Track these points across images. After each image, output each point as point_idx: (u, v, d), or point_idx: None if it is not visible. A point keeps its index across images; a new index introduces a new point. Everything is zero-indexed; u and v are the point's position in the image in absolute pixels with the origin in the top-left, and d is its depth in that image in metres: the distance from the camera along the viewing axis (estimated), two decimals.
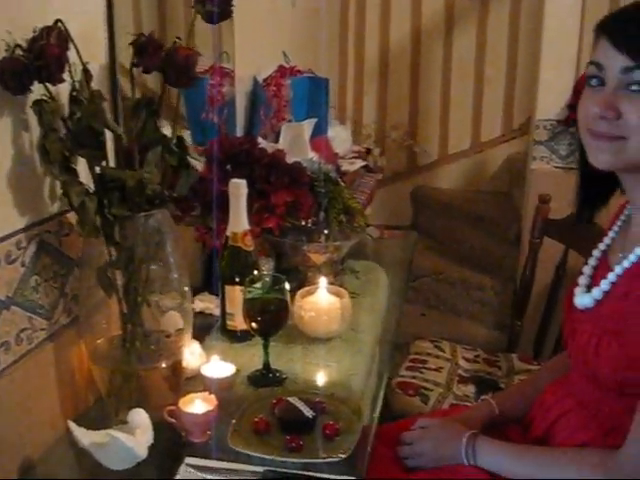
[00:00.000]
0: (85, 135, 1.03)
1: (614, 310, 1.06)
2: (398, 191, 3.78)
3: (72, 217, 1.21)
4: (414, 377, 2.01)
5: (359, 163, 2.16)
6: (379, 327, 1.68)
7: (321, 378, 1.42)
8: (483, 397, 1.86)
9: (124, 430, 1.10)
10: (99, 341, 1.23)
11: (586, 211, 1.17)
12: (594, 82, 1.00)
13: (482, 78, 3.62)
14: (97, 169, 1.10)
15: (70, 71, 1.03)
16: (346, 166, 2.08)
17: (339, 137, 2.21)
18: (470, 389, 1.98)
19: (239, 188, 1.46)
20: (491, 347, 2.37)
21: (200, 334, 1.57)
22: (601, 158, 1.01)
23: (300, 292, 1.57)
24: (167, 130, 1.14)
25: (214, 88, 2.05)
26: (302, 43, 2.70)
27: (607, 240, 1.17)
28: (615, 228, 1.16)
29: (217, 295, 1.60)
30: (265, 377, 1.37)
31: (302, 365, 1.46)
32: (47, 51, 0.97)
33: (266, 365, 1.38)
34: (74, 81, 1.04)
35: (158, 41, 1.13)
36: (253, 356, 1.45)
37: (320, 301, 1.56)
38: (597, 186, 1.13)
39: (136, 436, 1.09)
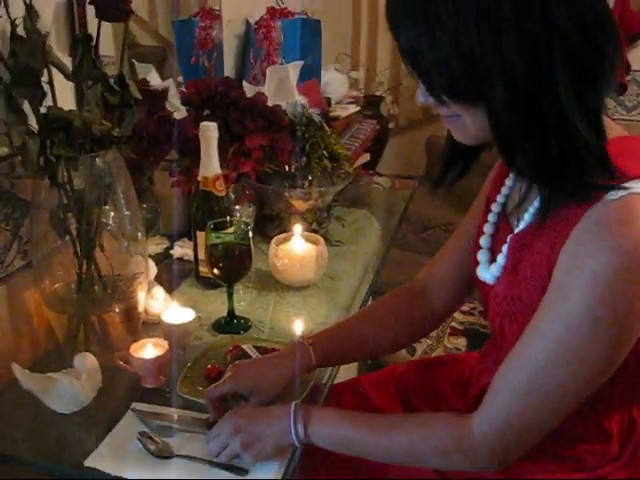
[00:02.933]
0: (24, 74, 1.00)
1: (507, 289, 0.96)
2: (412, 140, 3.71)
3: None
4: None
5: (352, 109, 2.09)
6: (360, 276, 1.65)
7: (288, 326, 1.40)
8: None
9: (70, 374, 1.09)
10: (55, 286, 1.22)
11: (449, 177, 1.05)
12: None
13: None
14: (42, 109, 1.07)
15: (6, 6, 0.99)
16: (338, 111, 2.02)
17: (334, 82, 2.14)
18: (462, 342, 1.96)
19: (209, 131, 1.43)
20: None
21: (176, 280, 1.56)
22: (455, 135, 0.92)
23: (275, 239, 1.55)
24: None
25: (203, 31, 2.00)
26: None
27: (500, 199, 1.05)
28: (507, 184, 1.05)
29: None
30: (229, 324, 1.36)
31: (273, 313, 1.44)
32: None
33: (230, 312, 1.37)
34: (13, 19, 1.01)
35: None
36: (223, 303, 1.43)
37: (294, 249, 1.54)
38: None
39: (81, 380, 1.08)
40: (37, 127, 1.07)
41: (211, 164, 1.45)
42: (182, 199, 1.77)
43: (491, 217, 1.05)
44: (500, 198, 1.05)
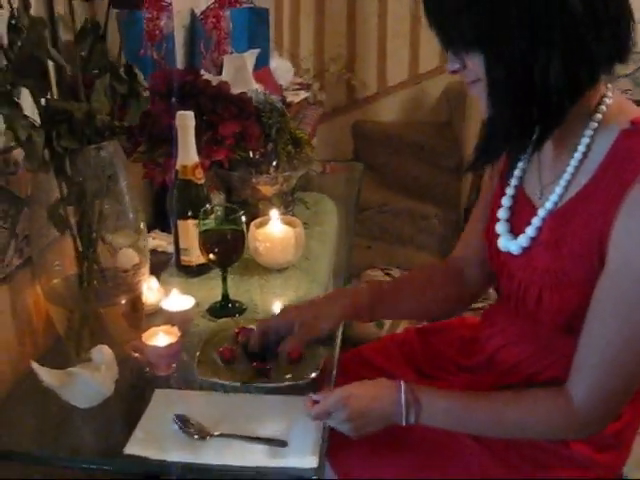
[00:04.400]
0: (28, 65, 0.98)
1: (546, 263, 1.02)
2: (339, 125, 3.77)
3: (18, 154, 1.17)
4: None
5: (303, 94, 2.13)
6: (332, 256, 1.70)
7: (280, 306, 1.43)
8: None
9: (89, 367, 1.08)
10: (55, 281, 1.20)
11: (483, 157, 1.06)
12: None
13: (419, 9, 3.58)
14: (42, 101, 1.06)
15: None
16: (290, 97, 2.06)
17: (280, 69, 2.17)
18: None
19: (186, 120, 1.43)
20: None
21: (155, 272, 1.56)
22: (480, 104, 0.99)
23: (253, 223, 1.57)
24: None
25: (151, 22, 1.98)
26: None
27: (517, 172, 1.12)
28: (525, 156, 1.10)
29: (169, 232, 1.58)
30: (225, 308, 1.38)
31: (260, 295, 1.47)
32: None
33: (225, 296, 1.38)
34: (12, 8, 0.99)
35: None
36: (210, 289, 1.46)
37: (274, 232, 1.56)
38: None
39: (101, 372, 1.08)
40: (39, 120, 1.05)
41: (189, 153, 1.45)
42: (150, 191, 1.76)
43: (509, 190, 1.12)
44: (518, 172, 1.11)
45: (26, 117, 1.03)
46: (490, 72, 0.93)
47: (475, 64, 0.94)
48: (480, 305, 2.03)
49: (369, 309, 1.22)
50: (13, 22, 1.00)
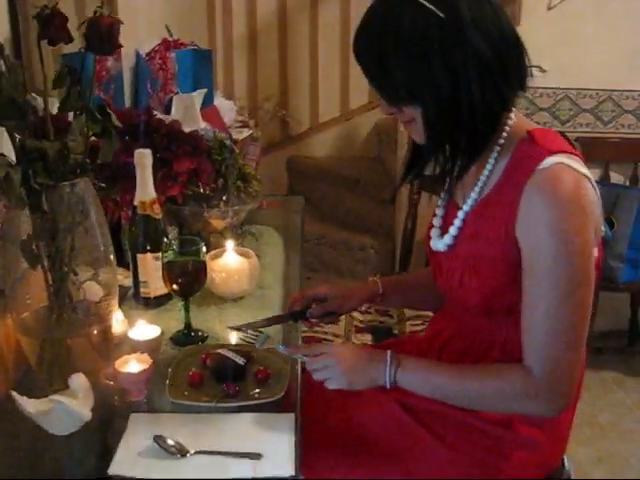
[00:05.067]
0: (7, 107, 1.04)
1: (467, 251, 1.21)
2: (273, 161, 3.87)
3: None
4: (315, 331, 2.12)
5: (246, 132, 2.22)
6: (282, 284, 1.78)
7: (239, 333, 1.49)
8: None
9: (66, 395, 1.13)
10: (26, 313, 1.24)
11: (414, 171, 1.29)
12: None
13: (348, 48, 3.74)
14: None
15: None
16: (235, 135, 2.14)
17: (223, 107, 2.26)
18: (367, 337, 2.13)
19: (144, 158, 1.50)
20: None
21: None
22: (414, 136, 1.19)
23: (209, 255, 1.63)
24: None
25: (98, 63, 2.04)
26: (180, 17, 2.70)
27: (447, 188, 1.30)
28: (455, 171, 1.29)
29: (124, 266, 1.62)
30: (188, 336, 1.43)
31: (218, 324, 1.53)
32: None
33: (187, 325, 1.44)
34: None
35: (63, 14, 1.15)
36: (170, 319, 1.52)
37: (229, 262, 1.63)
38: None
39: (79, 400, 1.12)
40: (14, 158, 1.11)
41: (147, 189, 1.52)
42: None
43: (441, 202, 1.33)
44: (446, 187, 1.30)
45: (3, 156, 1.08)
46: (424, 115, 1.12)
47: (409, 109, 1.13)
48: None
49: (382, 297, 1.49)
50: None
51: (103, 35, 1.06)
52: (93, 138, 1.20)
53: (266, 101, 3.81)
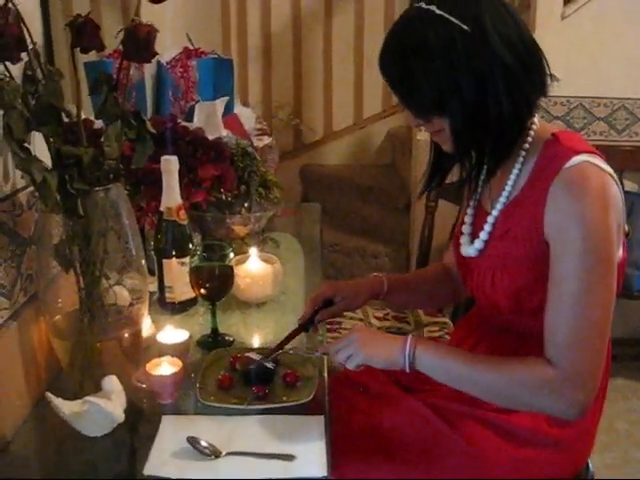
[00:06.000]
0: (46, 113, 1.06)
1: (498, 251, 1.24)
2: (287, 170, 3.89)
3: (23, 197, 1.23)
4: (333, 338, 2.14)
5: (267, 139, 2.24)
6: (304, 289, 1.79)
7: (264, 337, 1.51)
8: None
9: (100, 397, 1.14)
10: (58, 316, 1.26)
11: (436, 180, 1.33)
12: None
13: (362, 58, 3.79)
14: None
15: (27, 51, 1.05)
16: (256, 142, 2.16)
17: (243, 115, 2.28)
18: None
19: (171, 164, 1.52)
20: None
21: None
22: (442, 145, 1.21)
23: (234, 261, 1.65)
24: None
25: (120, 71, 2.06)
26: (197, 26, 2.73)
27: (475, 195, 1.33)
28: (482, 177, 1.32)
29: (148, 272, 1.64)
30: (214, 341, 1.45)
31: (244, 328, 1.55)
32: (7, 30, 0.99)
33: (214, 330, 1.46)
34: (29, 60, 1.07)
35: (95, 22, 1.18)
36: (194, 324, 1.54)
37: (254, 268, 1.65)
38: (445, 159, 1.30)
39: (112, 401, 1.14)
40: (50, 164, 1.13)
41: (173, 195, 1.54)
42: None
43: (469, 210, 1.34)
44: (475, 195, 1.32)
45: (40, 161, 1.10)
46: (452, 124, 1.14)
47: (438, 120, 1.15)
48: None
49: (386, 294, 1.48)
50: (29, 73, 1.08)
51: (141, 43, 1.08)
52: None
53: (280, 110, 3.83)
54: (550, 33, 2.74)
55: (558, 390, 1.11)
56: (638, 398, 2.87)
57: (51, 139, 1.10)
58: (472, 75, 1.09)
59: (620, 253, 1.19)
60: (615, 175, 1.15)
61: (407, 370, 1.19)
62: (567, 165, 1.11)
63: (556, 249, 1.12)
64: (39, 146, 1.12)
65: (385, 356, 1.20)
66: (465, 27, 1.08)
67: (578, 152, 1.13)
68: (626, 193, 2.98)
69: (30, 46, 1.08)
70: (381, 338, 1.25)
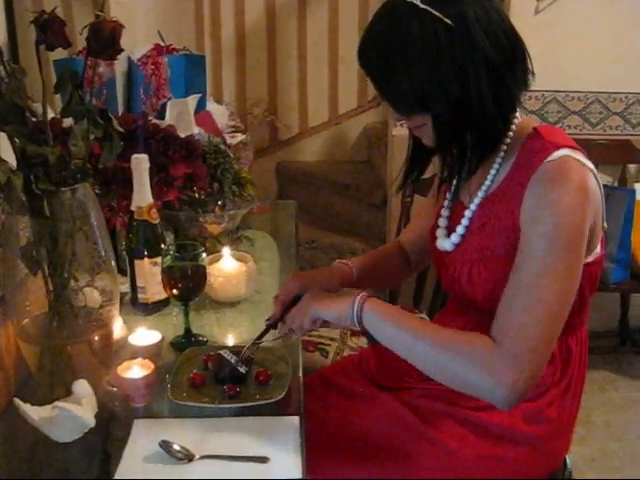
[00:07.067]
0: (9, 111, 1.03)
1: (475, 243, 1.23)
2: (263, 167, 3.87)
3: None
4: (310, 335, 2.12)
5: (240, 136, 2.22)
6: (278, 289, 1.77)
7: (238, 337, 1.49)
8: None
9: (70, 401, 1.12)
10: (26, 320, 1.23)
11: (414, 174, 1.32)
12: None
13: (336, 53, 3.77)
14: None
15: None
16: (229, 140, 2.14)
17: (216, 112, 2.25)
18: (363, 340, 2.12)
19: (141, 163, 1.49)
20: None
21: None
22: (424, 140, 1.20)
23: (206, 260, 1.63)
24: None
25: (90, 68, 2.03)
26: (169, 22, 2.70)
27: (453, 189, 1.33)
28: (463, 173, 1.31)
29: (120, 273, 1.62)
30: (188, 341, 1.43)
31: (217, 328, 1.53)
32: None
33: (187, 330, 1.44)
34: None
35: (62, 18, 1.15)
36: (167, 325, 1.52)
37: (227, 267, 1.63)
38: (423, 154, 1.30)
39: (83, 405, 1.12)
40: (15, 164, 1.10)
41: (144, 194, 1.51)
42: None
43: (447, 203, 1.33)
44: (452, 188, 1.31)
45: (4, 161, 1.08)
46: (435, 120, 1.13)
47: (419, 115, 1.15)
48: None
49: (356, 282, 1.45)
50: None
51: (106, 40, 1.06)
52: None
53: (255, 106, 3.80)
54: (524, 27, 2.70)
55: (489, 365, 1.05)
56: (615, 390, 2.90)
57: (15, 139, 1.07)
58: (455, 70, 1.08)
59: (598, 250, 1.19)
60: (596, 171, 1.14)
61: (356, 326, 1.18)
62: (548, 159, 1.11)
63: (526, 233, 1.11)
64: (3, 146, 1.10)
65: (337, 308, 1.20)
66: (449, 22, 1.07)
67: (559, 146, 1.12)
68: None
69: None
70: (333, 296, 1.26)
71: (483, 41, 1.08)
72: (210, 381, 1.26)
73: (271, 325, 1.33)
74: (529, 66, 1.17)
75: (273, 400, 1.19)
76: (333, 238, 3.40)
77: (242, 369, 1.26)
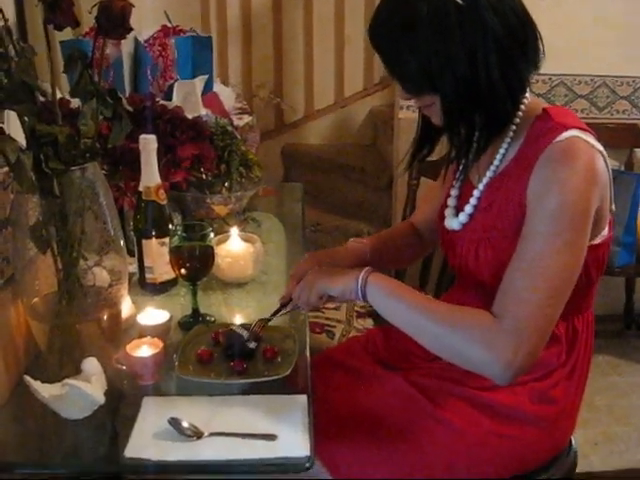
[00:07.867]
0: (19, 90, 1.03)
1: (483, 222, 1.24)
2: (268, 149, 3.86)
3: None
4: (317, 317, 2.13)
5: (247, 118, 2.22)
6: (286, 270, 1.78)
7: (245, 317, 1.50)
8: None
9: (80, 379, 1.13)
10: (36, 299, 1.24)
11: (423, 153, 1.32)
12: None
13: (342, 36, 3.76)
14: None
15: None
16: (236, 121, 2.14)
17: (223, 94, 2.25)
18: (369, 322, 2.13)
19: (149, 143, 1.49)
20: None
21: None
22: (433, 119, 1.20)
23: (215, 240, 1.63)
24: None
25: (97, 50, 2.02)
26: (175, 3, 2.69)
27: (464, 162, 1.32)
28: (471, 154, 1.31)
29: (128, 253, 1.62)
30: (195, 321, 1.44)
31: (225, 308, 1.54)
32: None
33: (195, 310, 1.45)
34: (0, 37, 1.04)
35: None
36: (175, 305, 1.52)
37: (235, 248, 1.64)
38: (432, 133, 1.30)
39: (92, 383, 1.13)
40: (24, 143, 1.10)
41: (152, 174, 1.52)
42: None
43: (456, 183, 1.34)
44: (461, 168, 1.30)
45: (14, 140, 1.08)
46: (443, 99, 1.13)
47: (428, 95, 1.15)
48: None
49: (370, 261, 1.42)
50: (0, 50, 1.06)
51: (116, 18, 1.06)
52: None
53: (261, 88, 3.80)
54: (531, 10, 2.72)
55: (489, 340, 1.06)
56: (619, 374, 2.90)
57: (25, 118, 1.07)
58: (464, 50, 1.08)
59: (606, 232, 1.19)
60: (605, 153, 1.14)
61: (360, 299, 1.18)
62: (557, 139, 1.11)
63: (531, 210, 1.11)
64: (13, 126, 1.10)
65: (342, 282, 1.20)
66: (459, 0, 1.07)
67: (568, 127, 1.12)
68: None
69: (1, 23, 1.06)
70: (338, 270, 1.25)
71: (493, 20, 1.08)
72: (217, 357, 1.27)
73: (284, 304, 1.33)
74: (540, 47, 1.16)
75: (279, 376, 1.20)
76: (339, 221, 3.40)
77: (251, 344, 1.27)
